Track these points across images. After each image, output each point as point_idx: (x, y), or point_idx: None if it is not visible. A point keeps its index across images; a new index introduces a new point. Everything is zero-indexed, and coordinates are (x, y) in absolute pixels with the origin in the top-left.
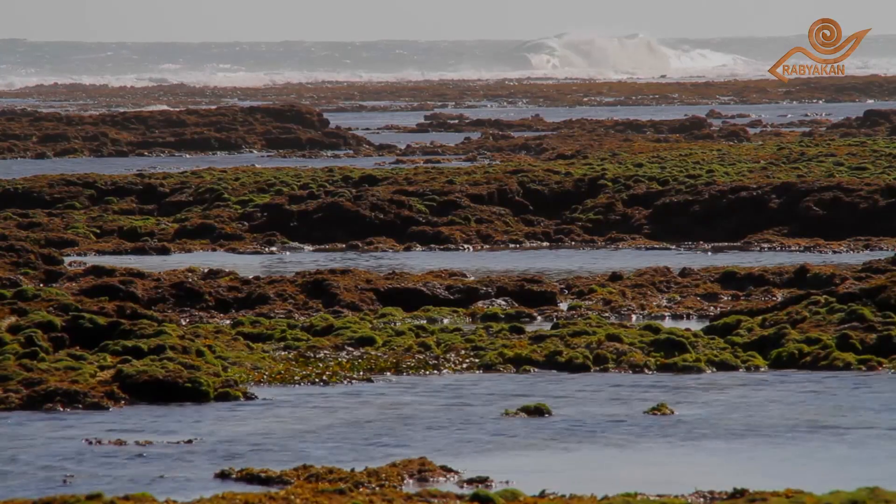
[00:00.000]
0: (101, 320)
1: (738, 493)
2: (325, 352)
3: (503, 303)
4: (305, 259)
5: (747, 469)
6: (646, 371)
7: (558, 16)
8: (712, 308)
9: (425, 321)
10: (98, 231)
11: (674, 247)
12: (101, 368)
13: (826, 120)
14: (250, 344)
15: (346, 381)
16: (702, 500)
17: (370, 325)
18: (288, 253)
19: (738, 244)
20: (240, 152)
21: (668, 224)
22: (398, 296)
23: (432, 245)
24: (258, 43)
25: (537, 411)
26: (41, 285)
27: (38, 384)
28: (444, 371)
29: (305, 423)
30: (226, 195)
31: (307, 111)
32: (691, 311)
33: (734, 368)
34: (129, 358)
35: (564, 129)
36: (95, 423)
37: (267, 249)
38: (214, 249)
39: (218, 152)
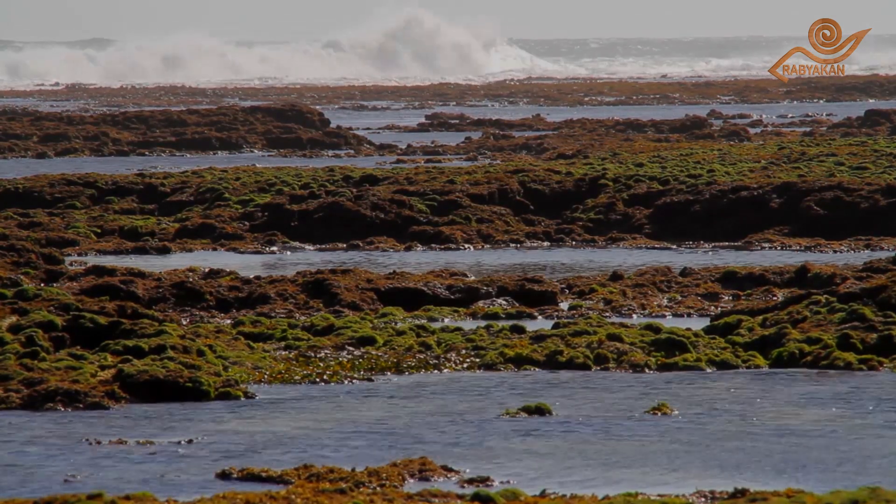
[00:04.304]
0: (102, 320)
1: (739, 493)
2: (326, 351)
3: (504, 302)
4: (306, 259)
5: (748, 469)
6: (646, 371)
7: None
8: (713, 308)
9: (426, 321)
10: (99, 231)
11: (674, 246)
12: (102, 368)
13: (827, 120)
14: (251, 343)
15: (346, 381)
16: (702, 500)
17: (371, 325)
18: (289, 252)
19: (739, 244)
20: (241, 152)
21: (669, 224)
22: (399, 295)
23: (433, 245)
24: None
25: (538, 411)
26: (42, 285)
27: (39, 384)
28: (445, 371)
29: (306, 422)
30: (226, 195)
31: (308, 111)
32: (692, 311)
33: (735, 368)
34: (130, 357)
35: (565, 129)
36: (96, 423)
37: (268, 249)
38: (215, 249)
39: (219, 152)
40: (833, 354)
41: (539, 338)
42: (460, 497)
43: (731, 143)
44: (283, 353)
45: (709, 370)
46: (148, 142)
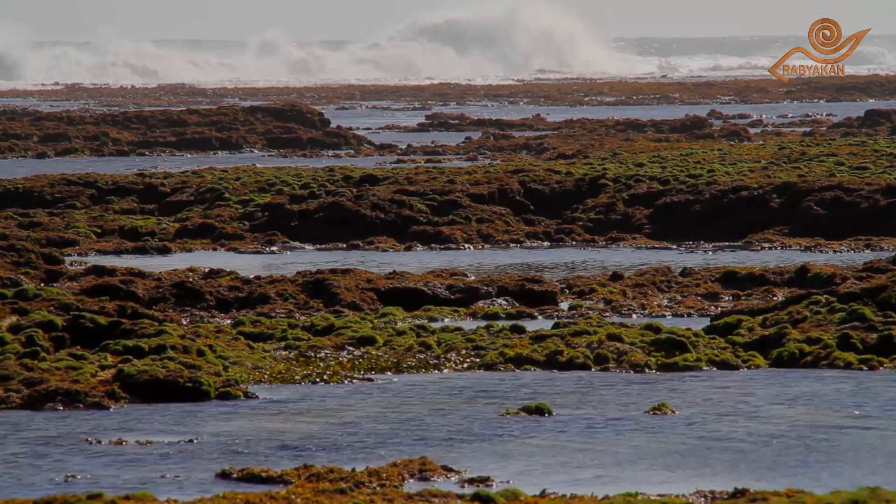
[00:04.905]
0: (102, 320)
1: (739, 493)
2: (326, 351)
3: (504, 302)
4: (306, 259)
5: (748, 469)
6: (646, 370)
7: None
8: (713, 308)
9: (426, 321)
10: (99, 230)
11: (675, 246)
12: (102, 368)
13: (827, 120)
14: (251, 343)
15: (346, 381)
16: (702, 500)
17: (371, 325)
18: (289, 252)
19: (739, 244)
20: (241, 152)
21: (669, 224)
22: (399, 295)
23: (433, 244)
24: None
25: (538, 411)
26: (42, 285)
27: (39, 384)
28: (445, 370)
29: (306, 422)
30: (227, 195)
31: (308, 111)
32: (692, 311)
33: (735, 368)
34: (130, 357)
35: (565, 129)
36: (96, 423)
37: (268, 249)
38: (215, 249)
39: (219, 152)
40: (833, 354)
41: (539, 338)
42: (460, 497)
43: (731, 143)
44: (283, 353)
45: (709, 370)
46: (148, 142)
